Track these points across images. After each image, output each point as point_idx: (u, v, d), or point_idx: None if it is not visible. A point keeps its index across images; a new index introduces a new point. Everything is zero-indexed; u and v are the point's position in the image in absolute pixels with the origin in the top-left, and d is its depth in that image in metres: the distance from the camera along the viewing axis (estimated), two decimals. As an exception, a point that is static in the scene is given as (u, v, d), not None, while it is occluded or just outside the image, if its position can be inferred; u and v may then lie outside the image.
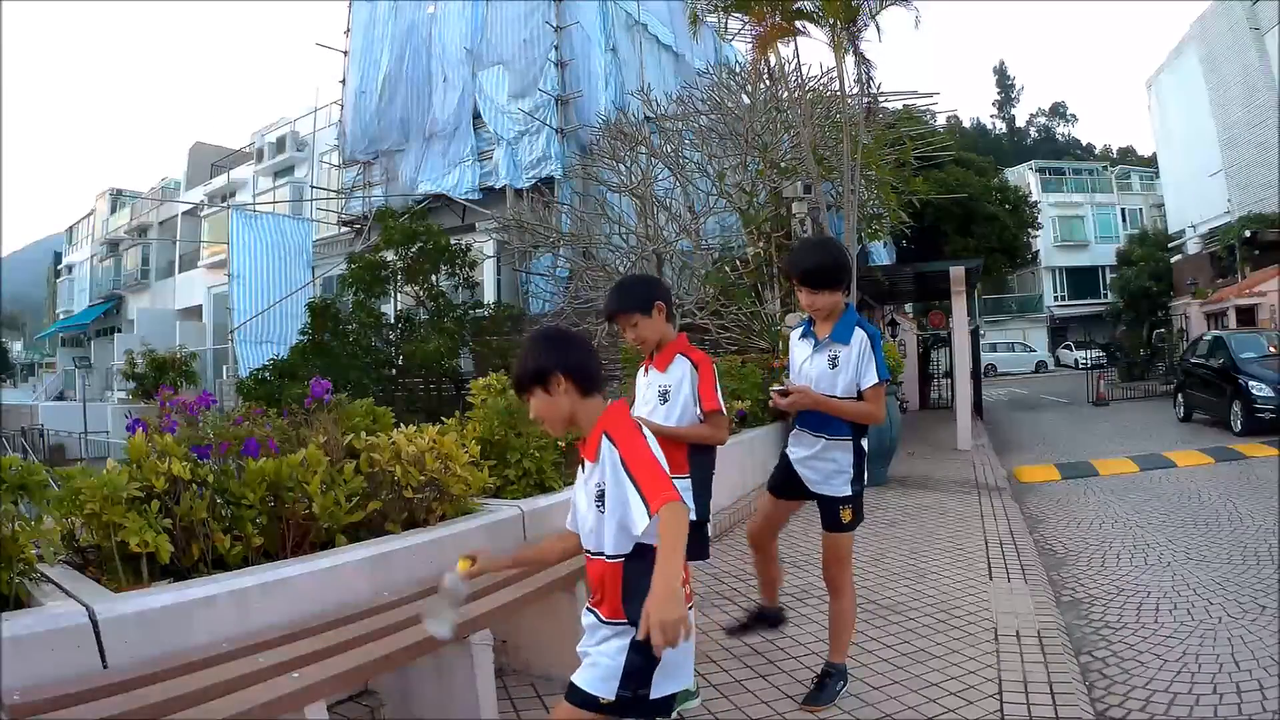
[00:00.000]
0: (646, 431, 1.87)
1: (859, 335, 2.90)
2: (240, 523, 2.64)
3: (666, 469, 1.80)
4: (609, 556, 1.84)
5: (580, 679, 1.84)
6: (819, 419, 2.95)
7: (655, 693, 1.80)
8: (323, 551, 2.76)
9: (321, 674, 2.03)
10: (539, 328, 3.45)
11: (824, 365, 2.95)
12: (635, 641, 1.76)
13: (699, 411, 2.88)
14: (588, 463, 1.90)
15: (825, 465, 2.98)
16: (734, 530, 6.02)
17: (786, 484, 3.09)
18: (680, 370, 2.91)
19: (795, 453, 3.06)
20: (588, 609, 1.93)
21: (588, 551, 1.93)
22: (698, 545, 2.95)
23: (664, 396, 2.93)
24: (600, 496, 1.83)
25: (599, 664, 1.83)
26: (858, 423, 2.94)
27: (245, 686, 1.94)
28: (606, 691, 1.78)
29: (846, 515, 2.98)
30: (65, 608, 2.03)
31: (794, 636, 3.67)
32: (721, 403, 2.90)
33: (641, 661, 1.77)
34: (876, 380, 2.89)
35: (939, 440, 11.30)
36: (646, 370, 3.03)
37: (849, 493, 2.96)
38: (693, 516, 2.55)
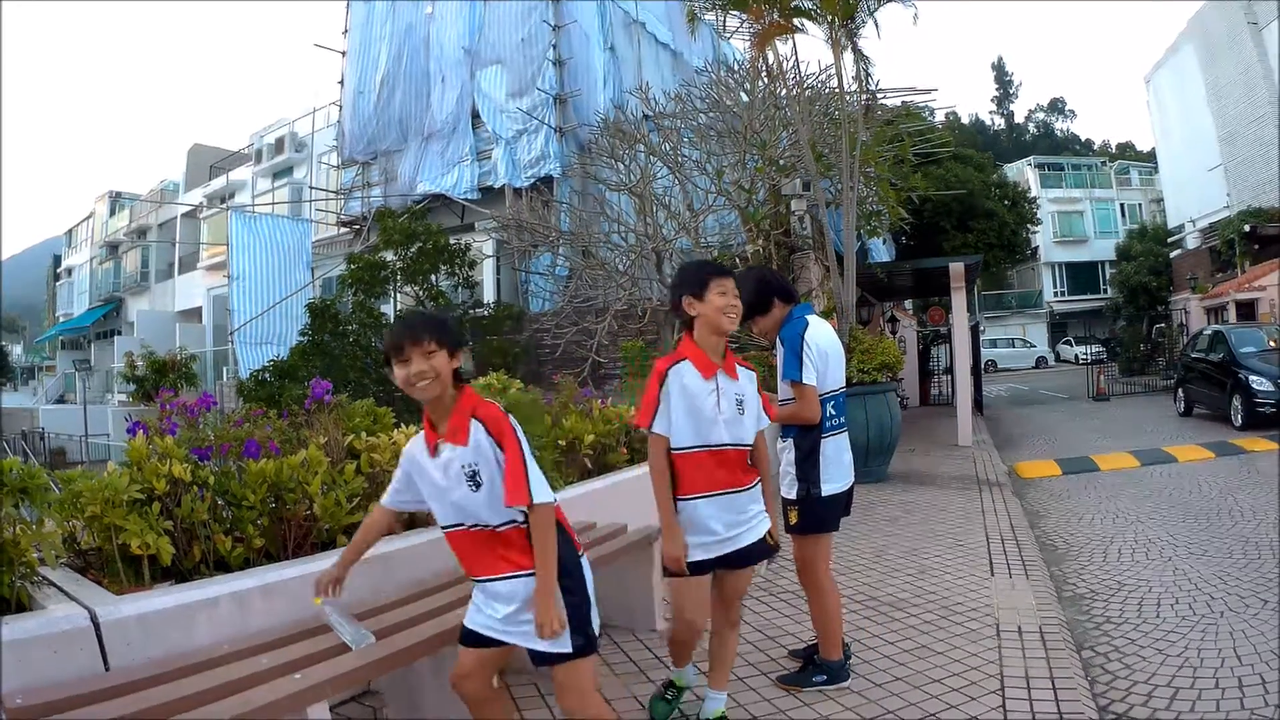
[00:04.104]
0: (515, 424, 2.03)
1: (779, 345, 3.02)
2: (241, 524, 2.64)
3: (534, 465, 1.99)
4: (496, 526, 2.01)
5: (541, 645, 1.98)
6: (782, 426, 3.09)
7: (596, 628, 2.07)
8: (324, 552, 2.76)
9: (323, 674, 2.03)
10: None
11: None
12: (564, 588, 1.99)
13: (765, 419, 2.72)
14: (450, 445, 2.00)
15: (783, 469, 3.09)
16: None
17: None
18: (748, 381, 2.66)
19: None
20: (484, 581, 2.04)
21: (453, 527, 2.05)
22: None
23: (740, 406, 2.58)
24: (473, 476, 1.99)
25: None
26: (794, 424, 3.01)
27: (248, 687, 1.94)
28: (563, 645, 1.99)
29: (792, 517, 3.03)
30: (67, 610, 2.03)
31: (796, 634, 3.67)
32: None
33: (578, 601, 2.01)
34: (788, 378, 2.95)
35: (939, 436, 11.30)
36: (710, 376, 2.54)
37: (793, 496, 3.02)
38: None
